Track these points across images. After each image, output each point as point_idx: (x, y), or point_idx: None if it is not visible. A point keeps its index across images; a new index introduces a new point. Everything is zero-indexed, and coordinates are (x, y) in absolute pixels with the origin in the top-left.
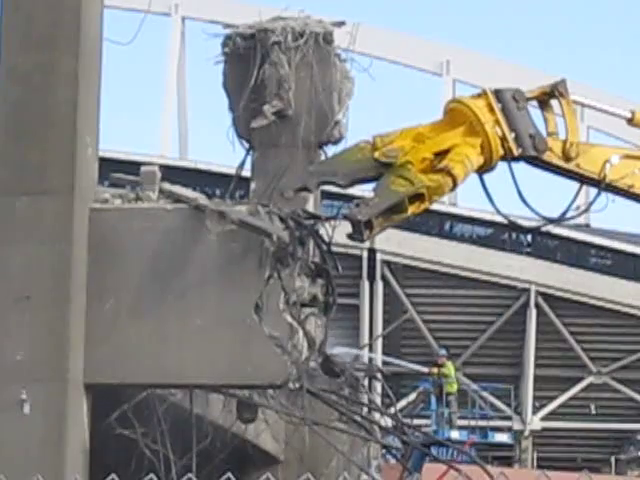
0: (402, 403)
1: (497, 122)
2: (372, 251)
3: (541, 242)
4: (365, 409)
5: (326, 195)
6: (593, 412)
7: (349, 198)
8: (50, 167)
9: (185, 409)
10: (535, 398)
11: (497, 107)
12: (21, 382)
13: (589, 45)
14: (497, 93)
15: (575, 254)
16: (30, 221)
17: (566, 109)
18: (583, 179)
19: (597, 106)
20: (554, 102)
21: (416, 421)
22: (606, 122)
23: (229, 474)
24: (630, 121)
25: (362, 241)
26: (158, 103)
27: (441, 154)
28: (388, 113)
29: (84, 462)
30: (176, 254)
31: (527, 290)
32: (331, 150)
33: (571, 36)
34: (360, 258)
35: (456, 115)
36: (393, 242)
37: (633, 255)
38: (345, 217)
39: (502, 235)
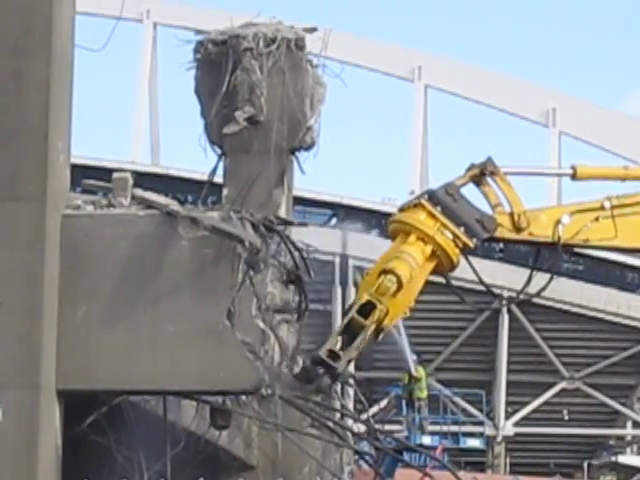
0: (374, 409)
1: (443, 225)
2: (344, 257)
3: (513, 247)
4: (338, 415)
5: (298, 201)
6: (566, 417)
7: (321, 204)
8: (22, 173)
9: (158, 415)
10: (507, 403)
11: (437, 211)
12: None
13: (562, 51)
14: (430, 196)
15: (547, 259)
16: (2, 227)
17: (502, 184)
18: (539, 245)
19: (535, 171)
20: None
21: (388, 427)
22: (579, 128)
23: None
24: (573, 177)
25: (337, 378)
26: (130, 109)
27: None
28: (360, 119)
29: (56, 469)
30: (148, 260)
31: (499, 295)
32: (303, 156)
33: (544, 42)
34: (332, 264)
35: (402, 234)
36: (364, 248)
37: (605, 261)
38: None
39: None
